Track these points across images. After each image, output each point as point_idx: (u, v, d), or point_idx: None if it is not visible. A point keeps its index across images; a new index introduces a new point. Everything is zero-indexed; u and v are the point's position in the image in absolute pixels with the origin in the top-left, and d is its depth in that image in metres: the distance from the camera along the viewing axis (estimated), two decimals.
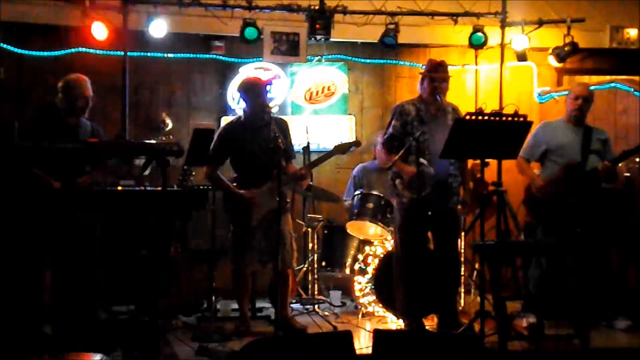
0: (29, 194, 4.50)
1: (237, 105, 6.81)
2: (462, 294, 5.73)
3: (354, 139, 5.14)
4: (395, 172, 4.87)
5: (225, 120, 6.67)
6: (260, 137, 4.88)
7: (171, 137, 5.14)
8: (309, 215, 5.97)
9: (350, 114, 7.02)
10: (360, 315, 5.55)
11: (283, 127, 4.98)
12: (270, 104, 6.05)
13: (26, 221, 4.46)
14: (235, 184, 5.01)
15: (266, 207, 4.84)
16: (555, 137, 5.20)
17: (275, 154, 4.64)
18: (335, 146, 5.08)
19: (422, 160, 4.60)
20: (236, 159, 5.02)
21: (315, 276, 5.88)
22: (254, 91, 4.97)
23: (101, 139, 4.88)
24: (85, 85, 4.83)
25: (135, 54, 6.36)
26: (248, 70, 6.81)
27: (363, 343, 4.71)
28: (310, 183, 5.67)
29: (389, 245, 5.45)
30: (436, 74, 4.83)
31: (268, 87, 5.18)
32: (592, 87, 5.63)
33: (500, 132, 4.29)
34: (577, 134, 5.17)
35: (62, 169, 4.61)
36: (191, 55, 6.69)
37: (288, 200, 5.06)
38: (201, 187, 5.51)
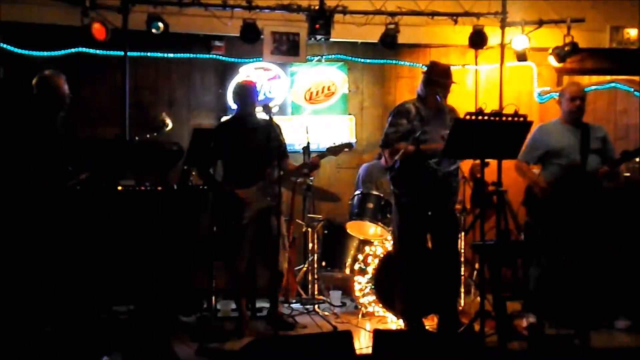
0: (26, 195, 4.49)
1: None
2: (462, 294, 5.72)
3: (349, 141, 5.23)
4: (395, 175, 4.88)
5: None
6: (252, 137, 4.93)
7: (155, 134, 5.14)
8: (309, 215, 5.98)
9: (350, 114, 7.02)
10: (360, 315, 5.55)
11: (275, 129, 5.03)
12: (270, 104, 6.07)
13: (25, 222, 4.46)
14: (226, 183, 5.05)
15: (257, 205, 4.89)
16: (554, 140, 5.19)
17: (267, 154, 4.69)
18: (328, 148, 5.17)
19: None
20: (228, 158, 5.06)
21: (315, 276, 5.89)
22: (243, 93, 5.06)
23: (76, 137, 4.82)
24: (62, 82, 4.73)
25: (135, 54, 6.36)
26: (248, 70, 6.82)
27: (363, 343, 4.71)
28: (310, 183, 5.67)
29: (389, 245, 5.45)
30: (444, 80, 4.83)
31: (258, 89, 5.25)
32: (592, 87, 5.63)
33: (500, 132, 4.29)
34: (576, 135, 5.15)
35: (50, 169, 4.57)
36: (191, 55, 6.70)
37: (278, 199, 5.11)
38: (201, 187, 5.51)
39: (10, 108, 5.66)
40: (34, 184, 4.46)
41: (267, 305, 5.67)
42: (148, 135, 5.20)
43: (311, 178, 5.41)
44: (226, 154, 5.04)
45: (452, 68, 5.03)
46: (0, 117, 5.13)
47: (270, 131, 4.89)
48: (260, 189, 4.90)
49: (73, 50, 6.30)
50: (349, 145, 5.23)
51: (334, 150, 5.14)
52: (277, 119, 5.13)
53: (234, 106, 6.74)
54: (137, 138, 5.25)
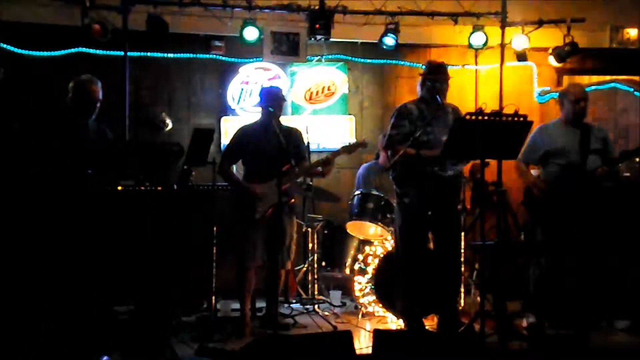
0: (28, 194, 4.50)
1: (237, 105, 6.82)
2: (462, 294, 5.72)
3: (360, 140, 5.30)
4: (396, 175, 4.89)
5: (225, 120, 6.72)
6: (272, 140, 5.01)
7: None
8: (309, 215, 5.98)
9: (350, 114, 7.02)
10: (360, 315, 5.55)
11: (294, 135, 5.20)
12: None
13: (25, 222, 4.47)
14: (245, 181, 5.13)
15: (271, 200, 4.91)
16: (554, 140, 5.18)
17: (285, 156, 4.84)
18: (343, 146, 5.23)
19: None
20: (249, 157, 5.16)
21: (315, 276, 5.89)
22: (267, 98, 5.14)
23: (109, 140, 4.88)
24: (97, 87, 4.83)
25: (135, 54, 6.36)
26: (248, 70, 6.82)
27: (363, 343, 4.71)
28: (310, 183, 5.68)
29: (389, 245, 5.45)
30: (436, 76, 4.84)
31: (283, 94, 5.33)
32: (592, 87, 5.62)
33: (500, 132, 4.29)
34: (576, 135, 5.14)
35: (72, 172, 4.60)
36: (191, 55, 6.70)
37: (293, 201, 5.14)
38: (201, 187, 5.52)
39: (11, 108, 5.68)
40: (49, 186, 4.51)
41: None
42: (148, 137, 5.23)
43: (325, 176, 5.43)
44: (247, 155, 5.15)
45: (451, 68, 5.04)
46: (2, 117, 5.16)
47: (291, 136, 5.05)
48: (275, 185, 4.93)
49: (73, 50, 6.31)
50: (363, 144, 5.31)
51: (348, 149, 5.20)
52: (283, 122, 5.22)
53: (234, 106, 6.80)
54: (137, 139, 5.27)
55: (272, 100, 5.11)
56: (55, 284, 4.58)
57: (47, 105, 5.49)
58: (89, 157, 4.68)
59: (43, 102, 5.72)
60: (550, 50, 6.70)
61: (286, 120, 5.91)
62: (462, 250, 5.63)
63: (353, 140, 5.04)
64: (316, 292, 5.87)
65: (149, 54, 6.55)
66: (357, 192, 5.83)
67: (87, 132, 4.78)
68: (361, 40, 6.83)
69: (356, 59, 7.02)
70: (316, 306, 5.65)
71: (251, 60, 6.79)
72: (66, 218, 4.52)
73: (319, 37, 6.28)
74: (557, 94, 5.47)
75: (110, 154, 4.85)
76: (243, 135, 5.21)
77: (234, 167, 5.44)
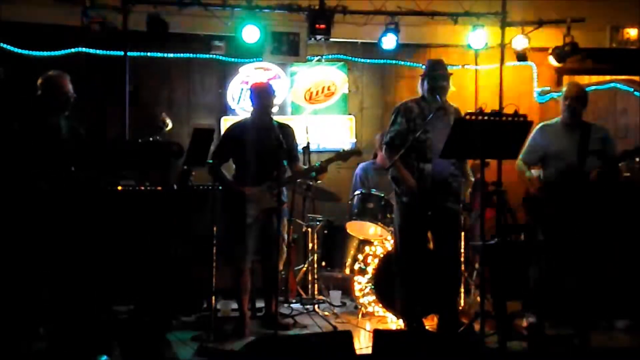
0: (26, 194, 4.50)
1: (237, 105, 6.82)
2: (462, 294, 5.72)
3: (356, 148, 5.32)
4: (395, 175, 4.89)
5: (225, 120, 6.72)
6: (264, 138, 4.95)
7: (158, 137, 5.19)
8: (309, 215, 5.98)
9: (350, 114, 7.02)
10: (360, 315, 5.55)
11: (288, 131, 5.11)
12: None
13: (26, 222, 4.47)
14: (236, 181, 5.07)
15: (263, 204, 4.90)
16: (553, 141, 5.16)
17: (277, 156, 4.75)
18: (337, 153, 5.21)
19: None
20: (239, 157, 5.08)
21: (315, 276, 5.89)
22: (257, 95, 5.08)
23: (81, 138, 4.83)
24: (67, 82, 4.74)
25: (135, 54, 6.37)
26: (248, 70, 6.82)
27: (363, 343, 4.71)
28: (310, 183, 5.68)
29: (389, 245, 5.45)
30: (436, 75, 4.84)
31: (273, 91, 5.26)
32: (592, 87, 5.61)
33: (500, 132, 4.28)
34: (575, 135, 5.13)
35: (52, 170, 4.58)
36: (191, 55, 6.70)
37: (285, 201, 5.12)
38: (201, 187, 5.51)
39: (11, 108, 5.66)
40: (37, 184, 4.48)
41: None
42: (150, 139, 5.21)
43: (318, 182, 5.43)
44: (238, 153, 5.07)
45: (451, 68, 5.03)
46: (1, 117, 5.15)
47: (283, 134, 4.94)
48: (267, 188, 4.92)
49: (73, 50, 6.31)
50: (357, 152, 5.31)
51: (342, 156, 5.19)
52: (279, 119, 5.17)
53: (234, 106, 6.80)
54: (140, 140, 5.25)
55: (263, 97, 5.05)
56: (55, 283, 4.58)
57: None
58: (65, 155, 4.64)
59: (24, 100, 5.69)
60: (550, 50, 6.70)
61: (286, 120, 5.92)
62: (462, 250, 5.63)
63: (348, 146, 5.00)
64: (316, 292, 5.87)
65: (149, 54, 6.55)
66: (357, 192, 5.83)
67: (59, 130, 4.70)
68: (361, 40, 6.83)
69: (356, 59, 7.03)
70: (316, 306, 5.65)
71: (251, 60, 6.80)
72: (62, 217, 4.51)
73: (319, 37, 6.28)
74: (557, 94, 5.48)
75: (86, 151, 4.78)
76: (234, 133, 5.13)
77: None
